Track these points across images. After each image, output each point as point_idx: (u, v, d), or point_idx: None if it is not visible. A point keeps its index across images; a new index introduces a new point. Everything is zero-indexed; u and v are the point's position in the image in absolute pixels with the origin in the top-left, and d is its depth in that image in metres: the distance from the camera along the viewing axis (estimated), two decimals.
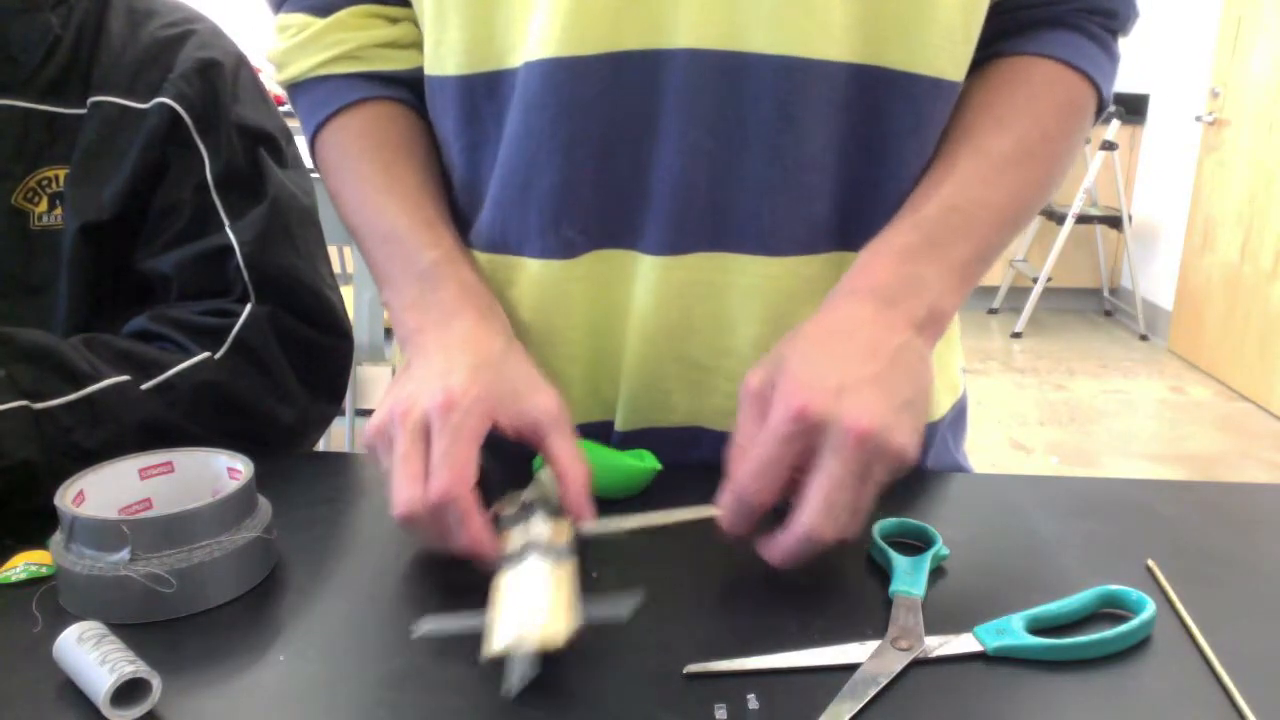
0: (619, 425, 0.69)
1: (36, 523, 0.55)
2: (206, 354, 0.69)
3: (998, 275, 5.05)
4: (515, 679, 0.43)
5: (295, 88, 0.71)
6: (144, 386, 0.65)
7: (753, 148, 0.60)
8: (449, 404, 0.51)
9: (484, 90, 0.63)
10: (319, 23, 0.68)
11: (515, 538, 0.52)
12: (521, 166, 0.62)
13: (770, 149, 0.60)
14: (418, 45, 0.69)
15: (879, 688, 0.44)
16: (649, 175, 0.61)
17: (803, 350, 0.53)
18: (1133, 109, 4.66)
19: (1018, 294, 4.91)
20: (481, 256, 0.67)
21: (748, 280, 0.63)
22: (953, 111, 0.65)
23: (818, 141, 0.60)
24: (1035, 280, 4.71)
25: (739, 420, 0.53)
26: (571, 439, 0.55)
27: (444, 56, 0.64)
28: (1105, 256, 5.01)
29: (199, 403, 0.67)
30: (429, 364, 0.55)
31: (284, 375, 0.73)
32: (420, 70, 0.68)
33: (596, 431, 0.69)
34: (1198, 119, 4.20)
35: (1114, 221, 4.67)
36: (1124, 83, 4.89)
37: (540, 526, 0.52)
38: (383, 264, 0.65)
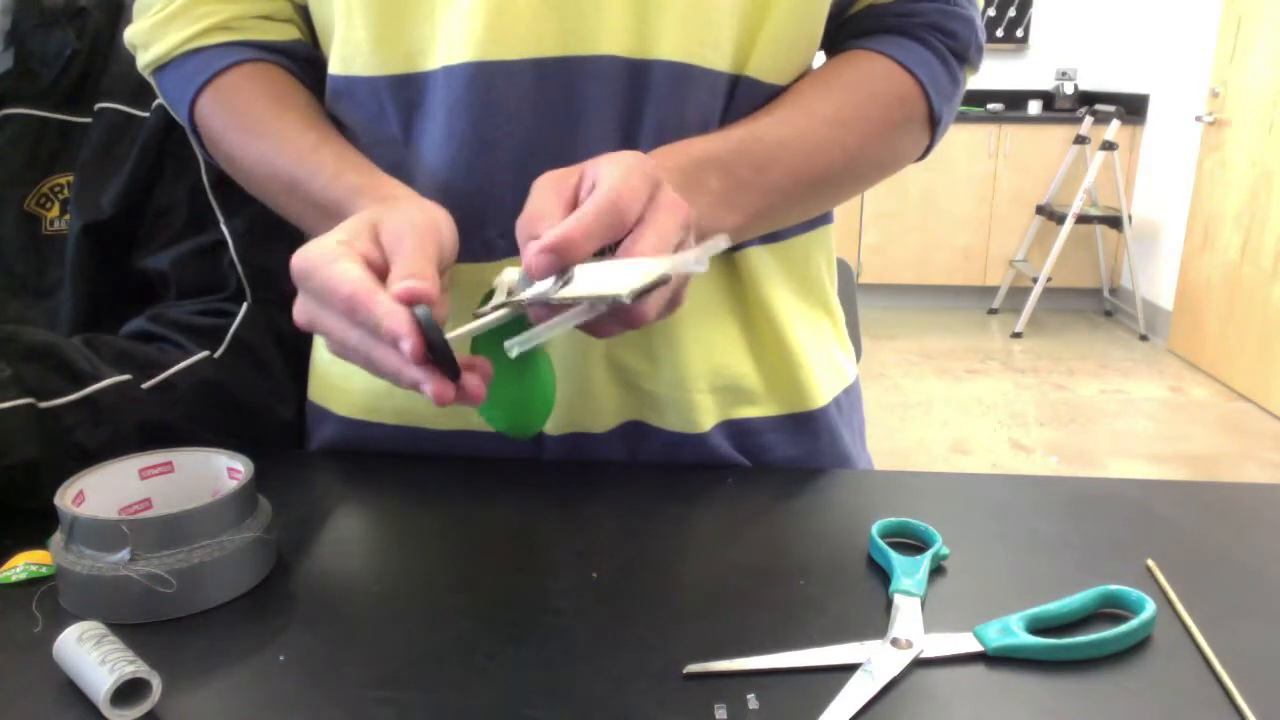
0: (550, 429, 0.69)
1: (36, 523, 0.55)
2: (205, 353, 0.69)
3: (998, 275, 5.06)
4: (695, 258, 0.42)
5: (161, 69, 0.68)
6: (144, 386, 0.65)
7: (648, 150, 0.61)
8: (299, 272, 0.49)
9: (390, 92, 0.63)
10: None
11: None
12: (441, 169, 0.63)
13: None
14: (293, 22, 0.69)
15: (879, 688, 0.44)
16: None
17: (612, 158, 0.53)
18: (1133, 109, 4.66)
19: (1018, 294, 4.91)
20: None
21: None
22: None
23: None
24: (1035, 280, 4.71)
25: (537, 195, 0.52)
26: (410, 244, 0.50)
27: (350, 57, 0.63)
28: (1105, 256, 5.01)
29: (199, 402, 0.68)
30: None
31: (282, 373, 0.74)
32: (299, 43, 0.69)
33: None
34: (1198, 119, 4.20)
35: (1114, 221, 4.67)
36: (1124, 83, 4.90)
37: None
38: (298, 215, 0.64)
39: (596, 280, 0.46)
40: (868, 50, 0.68)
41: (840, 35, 0.71)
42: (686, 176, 0.58)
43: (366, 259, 0.49)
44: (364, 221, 0.51)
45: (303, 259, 0.49)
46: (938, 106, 0.69)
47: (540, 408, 0.57)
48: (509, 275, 0.52)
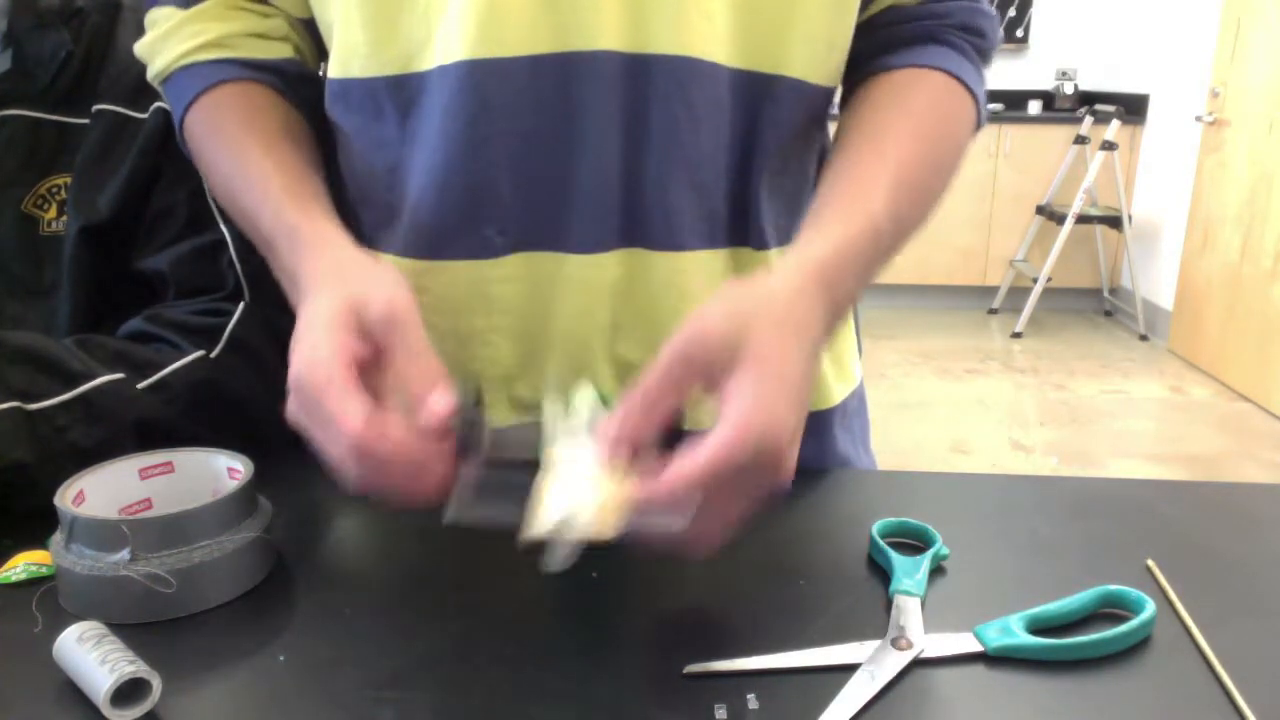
0: None
1: (36, 523, 0.55)
2: (201, 352, 0.69)
3: (998, 275, 5.06)
4: (556, 559, 0.43)
5: (165, 83, 0.69)
6: (140, 385, 0.65)
7: (657, 146, 0.61)
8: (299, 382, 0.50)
9: (387, 93, 0.63)
10: (182, 14, 0.67)
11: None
12: (438, 169, 0.63)
13: (673, 147, 0.62)
14: (288, 40, 0.69)
15: (879, 688, 0.44)
16: (567, 175, 0.62)
17: (769, 367, 0.49)
18: (1133, 109, 4.65)
19: (1018, 294, 4.91)
20: (398, 262, 0.66)
21: (662, 276, 0.65)
22: (860, 111, 0.65)
23: (713, 139, 0.63)
24: (1035, 280, 4.71)
25: (673, 356, 0.49)
26: (410, 336, 0.50)
27: (347, 59, 0.63)
28: (1105, 256, 5.01)
29: (195, 401, 0.68)
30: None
31: (279, 372, 0.74)
32: (291, 61, 0.69)
33: (524, 435, 0.69)
34: (1198, 119, 4.20)
35: (1114, 221, 4.67)
36: (1124, 83, 4.90)
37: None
38: (263, 240, 0.62)
39: (562, 496, 0.45)
40: (923, 68, 0.65)
41: (872, 44, 0.67)
42: (835, 316, 0.55)
43: (358, 358, 0.49)
44: (341, 306, 0.51)
45: (300, 377, 0.49)
46: (983, 113, 0.68)
47: None
48: (585, 398, 0.52)
